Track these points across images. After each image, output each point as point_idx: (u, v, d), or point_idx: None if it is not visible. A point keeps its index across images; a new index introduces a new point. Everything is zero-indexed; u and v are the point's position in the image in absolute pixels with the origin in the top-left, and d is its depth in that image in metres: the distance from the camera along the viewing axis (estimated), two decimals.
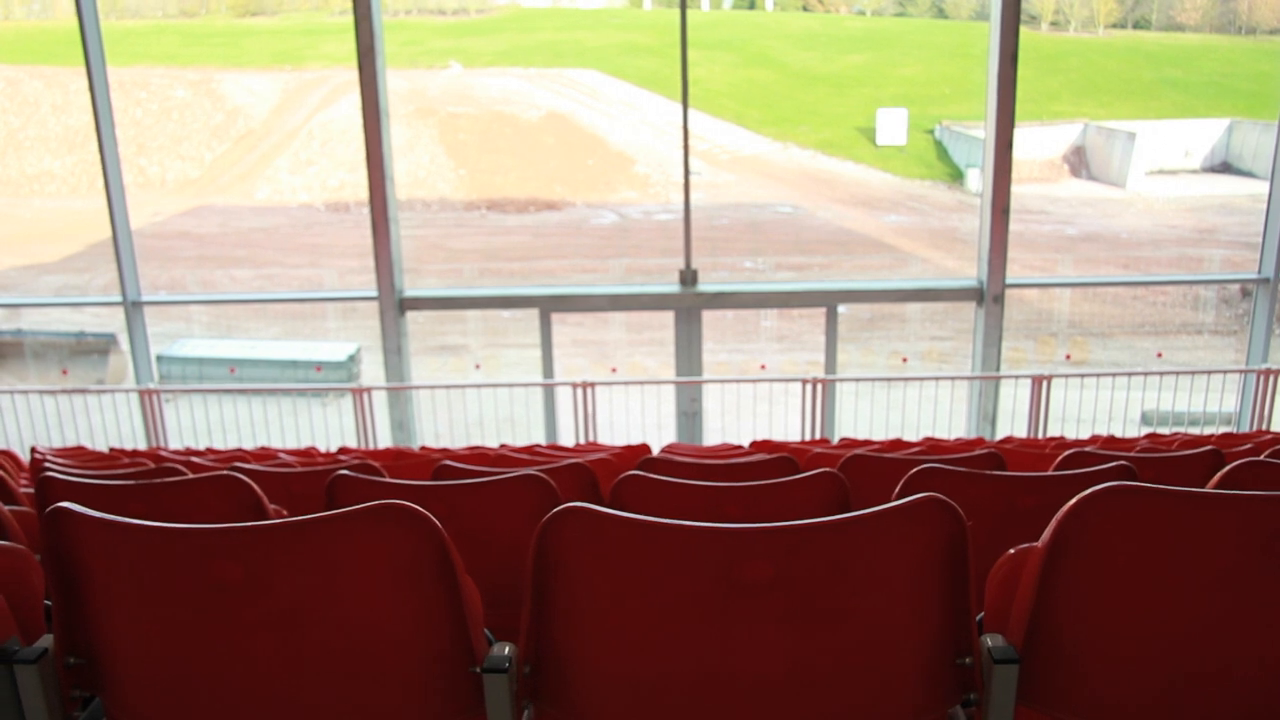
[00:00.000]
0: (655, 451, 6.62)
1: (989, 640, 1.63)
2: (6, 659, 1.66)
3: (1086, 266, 22.36)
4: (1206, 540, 1.51)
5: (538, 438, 10.30)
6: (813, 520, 1.47)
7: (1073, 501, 1.55)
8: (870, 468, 3.45)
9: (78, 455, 5.95)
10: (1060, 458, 3.58)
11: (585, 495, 3.42)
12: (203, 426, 9.66)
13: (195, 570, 1.54)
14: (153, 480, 2.99)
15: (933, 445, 5.22)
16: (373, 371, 16.67)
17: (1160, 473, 3.33)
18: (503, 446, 7.27)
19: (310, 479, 3.63)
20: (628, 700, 1.57)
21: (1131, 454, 3.23)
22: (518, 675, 1.61)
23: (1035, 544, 1.74)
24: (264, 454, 5.73)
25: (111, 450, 7.44)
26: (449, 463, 3.50)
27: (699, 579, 1.48)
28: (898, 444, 5.95)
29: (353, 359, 16.66)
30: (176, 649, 1.63)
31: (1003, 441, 6.65)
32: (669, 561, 1.48)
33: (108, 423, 9.39)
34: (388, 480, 2.75)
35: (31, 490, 3.97)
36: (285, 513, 2.97)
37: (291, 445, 9.12)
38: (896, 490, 2.63)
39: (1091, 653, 1.58)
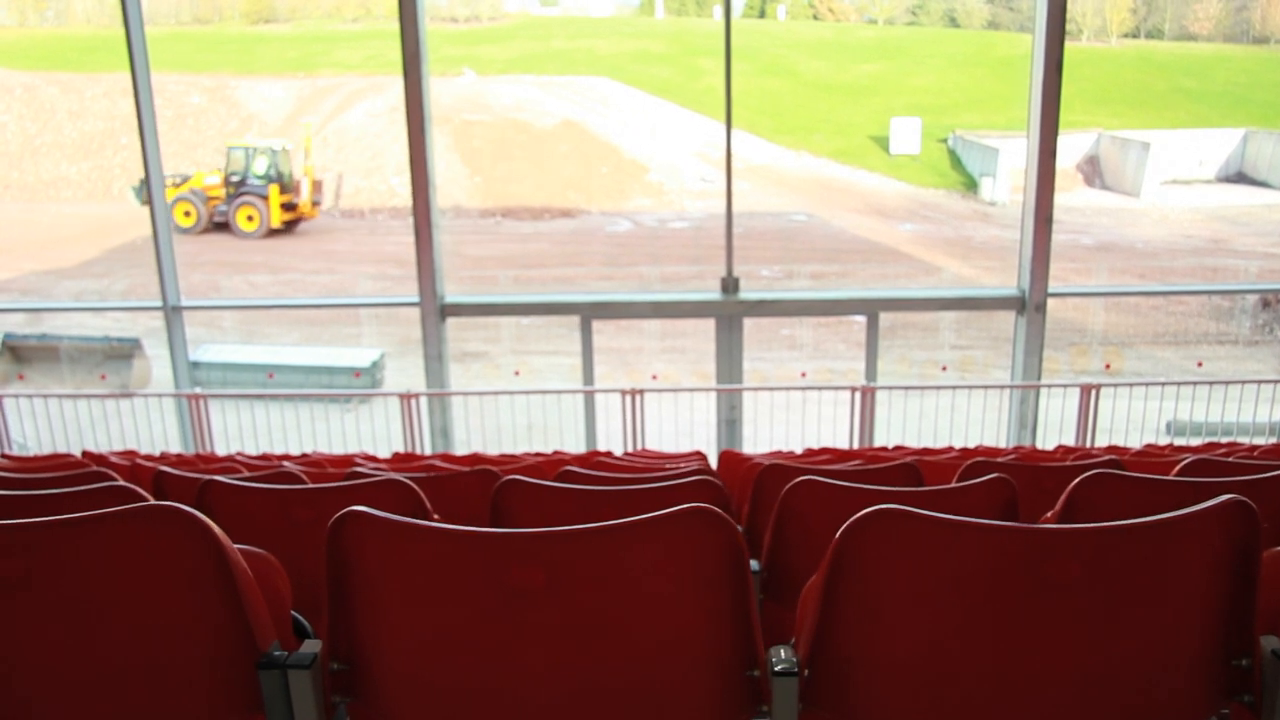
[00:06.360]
0: (710, 459, 6.62)
1: (1269, 642, 1.63)
2: (279, 664, 1.65)
3: (1104, 276, 22.42)
4: None
5: (574, 444, 10.28)
6: (1125, 522, 1.48)
7: None
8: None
9: (137, 459, 5.92)
10: (1180, 465, 3.58)
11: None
12: (236, 431, 9.63)
13: (492, 575, 1.53)
14: (308, 486, 2.99)
15: (1024, 454, 5.21)
16: (394, 377, 16.68)
17: None
18: (556, 453, 7.26)
19: (433, 485, 3.62)
20: (920, 698, 1.57)
21: (1259, 461, 3.23)
22: (798, 678, 1.61)
23: None
24: (341, 460, 5.71)
25: (163, 455, 7.40)
26: (572, 468, 3.51)
27: (1007, 578, 1.49)
28: (965, 452, 5.94)
29: (377, 365, 16.64)
30: (459, 655, 1.62)
31: (1059, 449, 6.63)
32: (979, 561, 1.48)
33: (153, 426, 9.39)
34: (560, 485, 2.75)
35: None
36: (437, 517, 2.97)
37: (327, 451, 9.08)
38: (1064, 496, 2.62)
39: None
